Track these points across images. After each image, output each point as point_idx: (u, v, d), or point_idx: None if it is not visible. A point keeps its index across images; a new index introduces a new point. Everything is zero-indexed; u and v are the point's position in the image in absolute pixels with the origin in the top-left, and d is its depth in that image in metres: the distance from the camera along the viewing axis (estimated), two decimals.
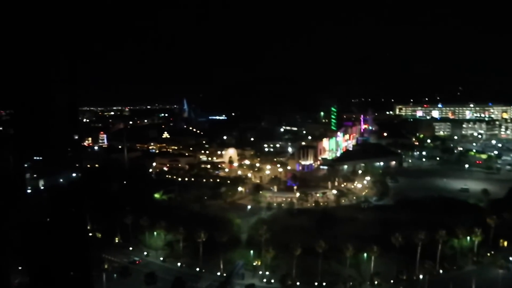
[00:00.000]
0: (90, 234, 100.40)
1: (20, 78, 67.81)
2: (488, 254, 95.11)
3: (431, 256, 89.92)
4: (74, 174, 72.15)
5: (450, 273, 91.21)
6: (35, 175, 71.49)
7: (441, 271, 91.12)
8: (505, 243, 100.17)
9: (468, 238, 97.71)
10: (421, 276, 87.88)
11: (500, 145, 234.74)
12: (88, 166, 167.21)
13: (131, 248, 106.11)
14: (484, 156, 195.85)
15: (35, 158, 71.41)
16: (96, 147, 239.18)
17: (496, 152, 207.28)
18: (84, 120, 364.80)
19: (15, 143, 74.40)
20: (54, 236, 67.66)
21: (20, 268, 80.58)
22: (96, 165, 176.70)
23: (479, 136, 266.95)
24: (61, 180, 70.63)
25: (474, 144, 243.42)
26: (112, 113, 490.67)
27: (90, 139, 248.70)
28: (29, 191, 70.34)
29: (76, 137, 75.70)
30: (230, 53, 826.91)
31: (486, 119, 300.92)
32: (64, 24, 69.50)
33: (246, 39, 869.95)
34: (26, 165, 71.12)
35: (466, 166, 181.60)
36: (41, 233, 67.94)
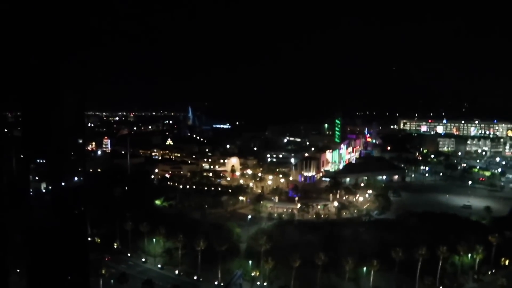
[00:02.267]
0: (90, 238, 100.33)
1: (28, 80, 68.53)
2: (489, 273, 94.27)
3: (431, 272, 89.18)
4: (76, 178, 72.37)
5: None
6: (37, 177, 71.91)
7: (441, 287, 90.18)
8: (507, 262, 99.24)
9: (470, 255, 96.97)
10: None
11: (504, 162, 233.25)
12: (91, 170, 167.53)
13: (129, 254, 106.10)
14: (487, 173, 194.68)
15: (38, 160, 71.86)
16: (99, 152, 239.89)
17: (500, 169, 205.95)
18: (89, 124, 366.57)
19: (21, 145, 74.90)
20: (53, 239, 67.77)
21: (18, 270, 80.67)
22: (99, 170, 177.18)
23: (483, 153, 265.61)
24: (63, 183, 70.86)
25: (478, 161, 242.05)
26: (117, 118, 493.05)
27: (94, 143, 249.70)
28: (31, 193, 70.66)
29: (81, 141, 76.09)
30: (236, 61, 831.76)
31: (491, 136, 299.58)
32: (73, 27, 70.37)
33: (251, 47, 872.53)
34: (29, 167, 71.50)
35: (470, 182, 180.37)
36: (41, 235, 68.13)
